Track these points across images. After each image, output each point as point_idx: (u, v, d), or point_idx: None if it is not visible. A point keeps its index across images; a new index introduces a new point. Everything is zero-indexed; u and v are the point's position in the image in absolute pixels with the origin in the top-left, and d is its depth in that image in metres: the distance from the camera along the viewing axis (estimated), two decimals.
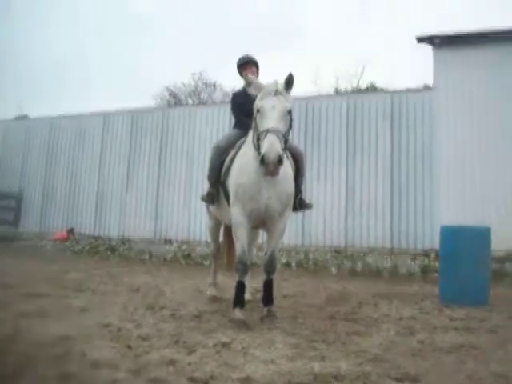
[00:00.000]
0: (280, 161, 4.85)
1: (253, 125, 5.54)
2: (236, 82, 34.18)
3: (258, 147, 5.16)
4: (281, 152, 4.89)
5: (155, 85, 57.51)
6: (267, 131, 4.99)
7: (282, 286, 8.62)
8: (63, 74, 55.22)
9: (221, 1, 59.48)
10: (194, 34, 58.96)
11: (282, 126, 5.11)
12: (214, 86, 39.14)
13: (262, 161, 4.86)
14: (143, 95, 54.97)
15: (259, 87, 5.54)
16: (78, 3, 61.79)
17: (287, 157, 5.66)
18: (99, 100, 49.13)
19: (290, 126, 5.36)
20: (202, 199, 6.83)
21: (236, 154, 6.11)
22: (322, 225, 14.55)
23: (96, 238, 16.85)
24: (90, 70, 57.15)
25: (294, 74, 5.35)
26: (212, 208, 7.06)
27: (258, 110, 5.30)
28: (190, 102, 37.02)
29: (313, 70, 61.45)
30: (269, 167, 4.85)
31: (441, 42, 13.76)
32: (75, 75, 55.65)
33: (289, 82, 5.38)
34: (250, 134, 5.75)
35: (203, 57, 55.80)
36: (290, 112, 5.29)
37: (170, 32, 60.25)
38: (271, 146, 4.85)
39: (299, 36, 59.92)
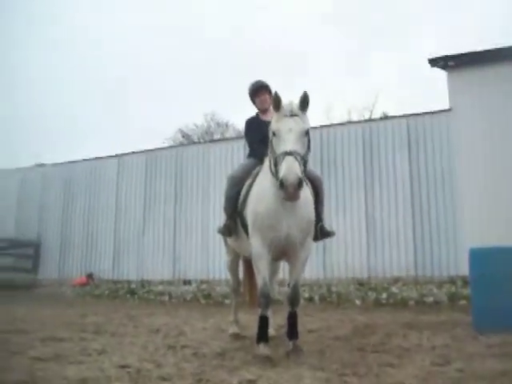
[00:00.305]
0: (300, 184, 4.65)
1: (269, 150, 5.36)
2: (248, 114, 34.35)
3: (275, 172, 4.96)
4: (300, 174, 4.69)
5: (168, 128, 58.07)
6: (285, 154, 4.80)
7: (306, 321, 8.37)
8: (77, 122, 55.70)
9: (226, 42, 60.11)
10: (204, 75, 59.55)
11: (300, 148, 4.92)
12: (227, 125, 39.49)
13: (282, 185, 4.66)
14: (156, 139, 55.29)
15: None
16: (89, 47, 62.61)
17: (306, 182, 5.44)
18: (114, 148, 49.50)
19: (309, 148, 5.16)
20: (219, 232, 6.63)
21: (253, 182, 5.93)
22: (343, 256, 14.27)
23: (115, 282, 16.69)
24: (102, 118, 57.64)
25: (308, 93, 5.18)
26: (230, 241, 6.86)
27: (274, 133, 5.12)
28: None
29: (324, 105, 61.56)
30: (288, 190, 4.64)
31: (455, 63, 13.61)
32: (88, 124, 56.13)
33: (304, 101, 5.19)
34: (266, 161, 5.58)
35: (214, 97, 56.12)
36: (307, 133, 5.10)
37: (179, 74, 60.75)
38: (290, 168, 4.66)
39: (308, 69, 60.26)
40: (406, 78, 55.16)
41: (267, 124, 5.70)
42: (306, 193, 5.15)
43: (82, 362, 5.18)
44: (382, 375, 4.54)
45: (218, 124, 39.74)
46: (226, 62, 60.38)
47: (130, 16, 62.51)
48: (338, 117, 40.22)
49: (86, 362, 5.19)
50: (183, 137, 38.91)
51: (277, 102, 5.21)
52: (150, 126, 55.83)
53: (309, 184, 5.70)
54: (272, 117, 5.49)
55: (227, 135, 38.53)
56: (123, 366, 4.93)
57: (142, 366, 4.99)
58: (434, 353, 5.57)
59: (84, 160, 19.62)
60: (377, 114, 34.50)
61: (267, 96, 6.66)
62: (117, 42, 62.95)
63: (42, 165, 22.03)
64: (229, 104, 57.27)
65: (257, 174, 5.95)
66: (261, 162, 6.00)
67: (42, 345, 6.20)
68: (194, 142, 30.75)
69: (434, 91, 34.45)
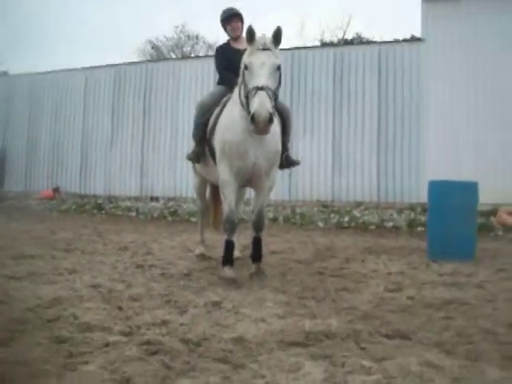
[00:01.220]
0: (271, 119, 4.79)
1: (239, 81, 5.45)
2: (219, 34, 33.88)
3: (246, 105, 5.08)
4: (271, 110, 4.82)
5: (137, 40, 56.79)
6: (257, 89, 4.89)
7: (270, 242, 8.68)
8: (43, 29, 54.13)
9: None
10: None
11: (271, 83, 5.01)
12: (197, 38, 38.78)
13: (253, 119, 4.79)
14: (125, 51, 54.16)
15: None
16: None
17: (275, 115, 5.58)
18: (81, 57, 48.38)
19: (280, 83, 5.25)
20: (188, 158, 6.75)
21: (221, 111, 6.02)
22: (308, 180, 14.57)
23: (82, 197, 16.81)
24: (70, 25, 56.03)
25: (282, 28, 5.23)
26: (198, 167, 7.00)
27: (246, 67, 5.18)
28: (173, 55, 36.60)
29: (298, 23, 60.65)
30: (259, 126, 4.78)
31: None
32: (55, 31, 54.57)
33: (277, 36, 5.23)
34: (236, 90, 5.66)
35: (185, 9, 54.84)
36: (279, 68, 5.18)
37: None
38: (262, 104, 4.77)
39: None
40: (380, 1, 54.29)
41: (238, 52, 5.77)
42: (274, 125, 5.29)
43: (54, 281, 5.38)
44: (338, 300, 4.83)
45: (189, 37, 39.03)
46: None
47: None
48: (312, 36, 39.85)
49: (58, 281, 5.39)
50: (152, 48, 38.23)
51: (250, 35, 5.24)
52: (118, 36, 54.72)
53: (277, 116, 5.82)
54: (244, 45, 5.55)
55: (197, 48, 38.01)
56: (94, 286, 5.15)
57: (112, 285, 5.21)
58: (389, 279, 5.89)
59: (51, 72, 19.25)
60: (350, 35, 34.22)
61: (239, 24, 6.68)
62: None
63: (4, 74, 21.55)
64: (200, 16, 56.08)
65: (226, 103, 6.04)
66: (230, 89, 6.06)
67: (14, 263, 6.37)
68: (165, 58, 30.29)
69: (408, 17, 34.20)
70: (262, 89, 4.87)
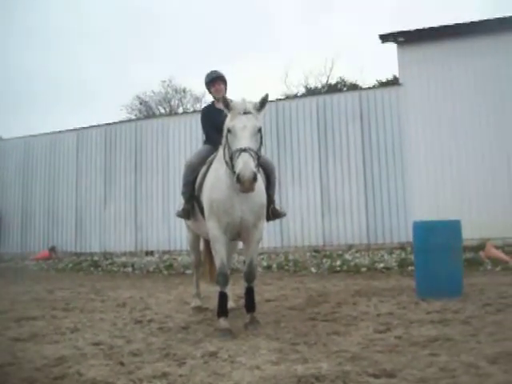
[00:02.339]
0: (255, 178, 5.10)
1: (223, 142, 5.78)
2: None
3: (231, 166, 5.39)
4: (255, 169, 5.13)
5: (126, 95, 57.48)
6: (240, 150, 5.21)
7: (264, 290, 8.87)
8: (32, 91, 54.88)
9: (185, 6, 59.53)
10: (162, 42, 58.98)
11: (253, 145, 5.34)
12: (184, 91, 39.34)
13: (238, 179, 5.10)
14: (114, 107, 54.87)
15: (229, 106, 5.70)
16: (46, 20, 61.24)
17: (259, 171, 5.88)
18: (71, 116, 49.02)
19: (261, 143, 5.58)
20: (178, 215, 7.06)
21: (207, 169, 6.36)
22: (299, 226, 14.81)
23: (78, 255, 16.96)
24: (59, 85, 56.79)
25: (268, 95, 5.62)
26: (189, 222, 7.28)
27: (229, 130, 5.52)
28: (161, 109, 37.14)
29: (282, 70, 61.72)
30: (245, 185, 5.08)
31: (404, 39, 14.08)
32: (45, 92, 55.29)
33: (263, 101, 5.65)
34: (220, 150, 5.99)
35: (172, 63, 55.84)
36: (259, 130, 5.52)
37: (137, 40, 60.07)
38: (246, 164, 5.08)
39: (267, 37, 60.24)
40: (362, 44, 55.54)
41: (222, 112, 6.11)
42: (258, 179, 5.57)
43: (57, 340, 5.60)
44: (329, 343, 5.05)
45: (176, 90, 39.65)
46: (184, 27, 59.90)
47: None
48: (296, 82, 40.54)
49: (61, 340, 5.60)
50: (141, 104, 38.79)
51: (226, 104, 5.65)
52: (107, 93, 55.41)
53: (261, 170, 6.14)
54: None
55: (185, 101, 38.56)
56: (96, 343, 5.37)
57: (113, 342, 5.43)
58: (378, 320, 6.10)
59: (43, 134, 19.63)
60: (333, 79, 34.90)
61: (222, 86, 7.08)
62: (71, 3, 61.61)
63: None
64: (186, 69, 57.02)
65: (211, 162, 6.38)
66: (215, 148, 6.45)
67: (17, 325, 6.60)
68: (154, 115, 30.75)
69: (386, 61, 35.14)
70: (244, 150, 5.20)
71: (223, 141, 5.76)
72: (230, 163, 5.43)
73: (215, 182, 5.94)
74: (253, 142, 5.36)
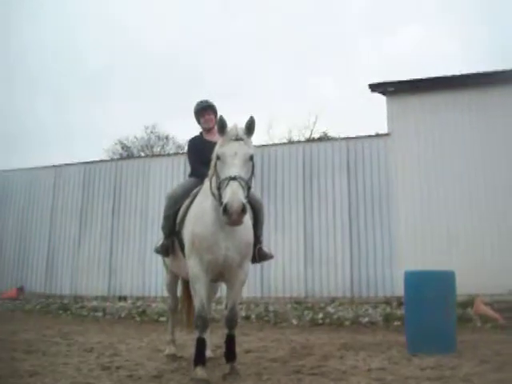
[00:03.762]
0: (244, 210, 4.64)
1: (210, 172, 5.33)
2: (189, 134, 34.27)
3: (218, 196, 4.93)
4: (244, 200, 4.68)
5: (107, 139, 57.33)
6: (229, 179, 4.77)
7: (244, 341, 8.38)
8: (13, 129, 54.47)
9: (169, 53, 60.06)
10: (145, 88, 59.15)
11: (244, 173, 4.90)
12: (167, 138, 39.27)
13: (225, 210, 4.63)
14: (94, 151, 54.56)
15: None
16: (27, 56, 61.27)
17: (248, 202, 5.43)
18: (50, 156, 48.61)
19: (253, 173, 5.14)
20: (156, 251, 6.55)
21: (191, 203, 5.89)
22: (281, 276, 14.35)
23: (47, 297, 16.33)
24: (40, 125, 56.51)
25: (254, 118, 5.18)
26: (167, 261, 6.79)
27: (218, 157, 5.08)
28: (143, 155, 36.90)
29: (265, 122, 62.00)
30: (232, 217, 4.61)
31: (394, 90, 14.00)
32: (25, 131, 54.89)
33: (250, 126, 5.19)
34: (206, 182, 5.56)
35: (155, 110, 55.82)
36: (251, 158, 5.09)
37: (121, 85, 60.26)
38: (234, 194, 4.63)
39: (250, 88, 60.69)
40: (347, 98, 56.12)
41: (210, 144, 5.71)
42: (246, 216, 5.14)
43: None
44: None
45: (159, 137, 39.55)
46: (168, 75, 60.28)
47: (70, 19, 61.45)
48: (279, 134, 40.55)
49: None
50: (123, 148, 38.53)
51: (221, 125, 5.18)
52: (88, 137, 55.19)
53: (249, 207, 5.66)
54: (216, 137, 5.49)
55: (167, 148, 38.40)
56: None
57: None
58: (370, 376, 5.62)
59: (20, 169, 19.09)
60: (317, 134, 34.93)
61: (212, 116, 6.66)
62: (58, 48, 61.82)
63: None
64: (169, 117, 57.07)
65: (196, 194, 5.91)
66: (201, 181, 5.96)
67: None
68: (134, 156, 30.44)
69: (374, 112, 35.27)
70: (234, 179, 4.75)
71: (211, 170, 5.32)
72: (218, 193, 4.95)
73: (199, 215, 5.46)
74: (244, 170, 4.91)
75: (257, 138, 36.07)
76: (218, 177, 5.05)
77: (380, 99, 14.48)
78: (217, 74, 61.00)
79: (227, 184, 4.75)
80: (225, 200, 4.67)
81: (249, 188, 4.96)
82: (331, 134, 32.32)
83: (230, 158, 4.95)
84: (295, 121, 55.57)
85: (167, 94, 57.39)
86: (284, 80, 59.38)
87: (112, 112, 56.10)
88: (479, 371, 5.75)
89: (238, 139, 5.06)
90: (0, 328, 10.22)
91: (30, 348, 7.59)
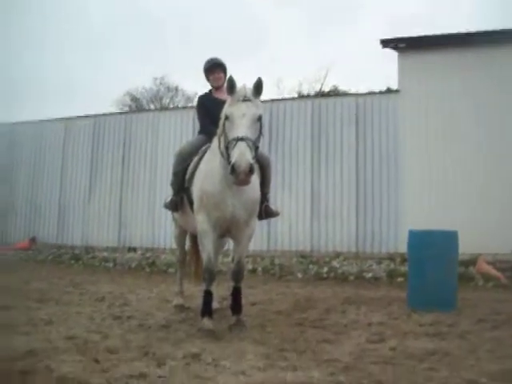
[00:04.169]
0: (251, 170, 4.78)
1: (219, 131, 5.45)
2: (198, 86, 34.19)
3: (227, 156, 5.07)
4: (251, 161, 4.81)
5: (116, 90, 57.12)
6: (237, 139, 4.88)
7: (249, 293, 8.54)
8: (23, 81, 54.34)
9: (182, 7, 59.33)
10: (156, 39, 58.67)
11: (252, 134, 5.01)
12: (176, 90, 39.07)
13: (233, 170, 4.77)
14: (104, 103, 54.40)
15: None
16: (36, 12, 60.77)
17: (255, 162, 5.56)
18: (60, 109, 48.54)
19: (261, 133, 5.25)
20: (165, 206, 6.73)
21: (200, 160, 6.03)
22: (287, 230, 14.51)
23: (59, 247, 16.59)
24: (51, 77, 56.38)
25: (262, 79, 5.27)
26: (176, 216, 6.96)
27: (226, 117, 5.19)
28: (152, 107, 36.81)
29: (276, 75, 61.51)
30: (240, 176, 4.76)
31: (406, 46, 13.87)
32: (35, 83, 54.83)
33: (258, 87, 5.27)
34: (215, 140, 5.67)
35: (165, 61, 55.54)
36: (260, 119, 5.20)
37: (132, 37, 59.75)
38: (242, 155, 4.76)
39: (261, 43, 60.14)
40: (358, 52, 55.51)
41: (219, 102, 5.83)
42: (253, 174, 5.27)
43: (29, 332, 5.27)
44: (319, 351, 4.76)
45: (168, 88, 39.36)
46: (178, 25, 59.72)
47: None
48: (289, 88, 40.27)
49: (33, 332, 5.29)
50: (132, 100, 38.46)
51: (231, 86, 5.28)
52: (97, 88, 55.03)
53: (256, 165, 5.79)
54: (225, 95, 5.60)
55: (176, 100, 38.29)
56: (70, 337, 5.05)
57: (88, 337, 5.11)
58: (370, 330, 5.83)
59: (29, 122, 19.13)
60: (327, 87, 34.68)
61: (221, 74, 6.72)
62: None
63: None
64: (179, 68, 56.80)
65: (204, 152, 6.04)
66: (210, 139, 6.07)
67: None
68: (144, 109, 30.40)
69: (385, 68, 35.01)
70: (242, 139, 4.87)
71: (219, 129, 5.44)
72: (226, 153, 5.09)
73: (207, 173, 5.61)
74: (251, 131, 5.03)
75: (266, 92, 35.83)
76: (226, 137, 5.16)
77: (392, 55, 14.39)
78: (228, 27, 60.25)
79: (235, 144, 4.87)
80: (233, 160, 4.80)
81: (256, 148, 5.08)
82: (342, 87, 32.07)
83: (239, 118, 5.06)
84: (306, 74, 55.09)
85: (178, 45, 57.01)
86: (295, 33, 58.68)
87: (121, 64, 55.89)
88: (476, 329, 5.92)
89: (246, 100, 5.15)
90: (14, 278, 10.45)
91: (43, 297, 7.83)
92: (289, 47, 56.91)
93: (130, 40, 58.49)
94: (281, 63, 56.40)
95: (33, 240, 17.43)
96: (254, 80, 5.31)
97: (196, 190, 5.75)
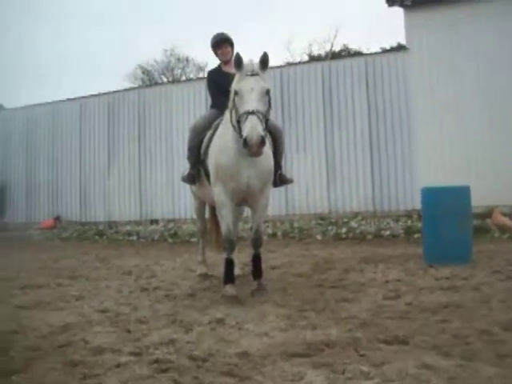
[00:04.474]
0: (263, 142, 4.97)
1: (230, 106, 5.63)
2: (208, 56, 34.17)
3: (239, 129, 5.25)
4: (262, 133, 4.99)
5: (128, 65, 57.06)
6: (248, 113, 5.06)
7: (270, 257, 8.79)
8: (36, 62, 54.51)
9: None
10: (164, 10, 58.32)
11: (261, 107, 5.18)
12: (187, 60, 38.98)
13: (245, 143, 4.97)
14: (117, 77, 54.48)
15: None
16: None
17: (266, 134, 5.74)
18: (74, 86, 48.71)
19: (270, 106, 5.42)
20: (182, 179, 6.94)
21: (213, 133, 6.22)
22: (304, 194, 14.69)
23: (83, 224, 16.93)
24: (62, 56, 56.43)
25: (268, 53, 5.43)
26: (194, 188, 7.17)
27: (236, 92, 5.37)
28: (164, 79, 36.84)
29: (286, 37, 61.05)
30: (252, 149, 4.96)
31: (411, 3, 13.82)
32: (48, 62, 54.93)
33: (264, 61, 5.43)
34: (227, 113, 5.83)
35: (174, 32, 55.26)
36: (268, 92, 5.36)
37: (139, 9, 59.43)
38: (253, 128, 4.95)
39: (270, 5, 59.46)
40: (366, 11, 54.79)
41: (229, 75, 5.98)
42: (266, 144, 5.38)
43: (62, 308, 5.55)
44: (337, 310, 4.98)
45: (179, 59, 39.27)
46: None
47: None
48: (299, 49, 40.04)
49: (66, 307, 5.55)
50: (143, 73, 38.48)
51: (238, 62, 5.45)
52: (109, 62, 55.03)
53: (268, 136, 5.90)
54: (233, 69, 5.75)
55: (188, 70, 38.24)
56: (102, 311, 5.31)
57: (119, 309, 5.37)
58: (387, 287, 6.04)
59: (45, 104, 19.42)
60: (337, 47, 34.43)
61: (229, 48, 6.87)
62: None
63: (0, 107, 21.80)
64: (189, 38, 56.51)
65: (217, 126, 6.23)
66: (222, 112, 6.24)
67: (22, 293, 6.57)
68: (156, 84, 30.45)
69: (393, 26, 34.58)
70: (252, 113, 5.05)
71: (230, 104, 5.62)
72: (237, 127, 5.28)
73: (222, 146, 5.81)
74: (261, 104, 5.20)
75: (277, 56, 35.70)
76: (236, 111, 5.34)
77: (399, 12, 14.33)
78: None
79: (246, 118, 5.05)
80: (244, 133, 4.99)
81: (266, 120, 5.27)
82: (352, 46, 31.86)
83: (247, 93, 5.23)
84: (315, 35, 54.59)
85: (185, 15, 56.65)
86: None
87: (131, 37, 55.70)
88: (490, 281, 6.10)
89: (253, 74, 5.32)
90: (43, 256, 10.79)
91: (73, 274, 8.12)
92: (297, 7, 56.29)
93: (139, 12, 58.27)
94: (290, 24, 55.91)
95: (57, 219, 17.81)
96: (262, 51, 5.47)
97: (211, 164, 5.95)
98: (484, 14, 13.21)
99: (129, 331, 4.50)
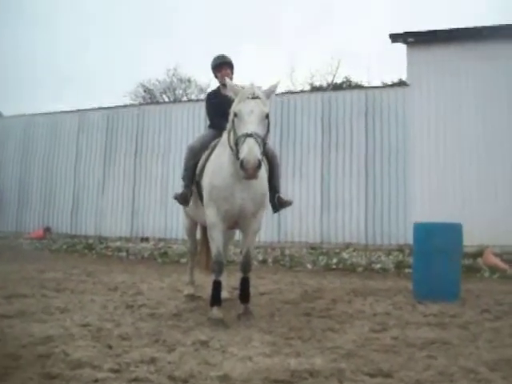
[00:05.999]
0: (259, 165, 4.96)
1: (228, 127, 5.63)
2: (211, 78, 34.27)
3: (236, 151, 5.24)
4: (260, 156, 4.99)
5: (130, 83, 57.33)
6: (246, 136, 5.07)
7: (259, 283, 8.71)
8: (37, 73, 54.74)
9: None
10: (168, 30, 58.73)
11: (260, 130, 5.19)
12: (189, 81, 39.10)
13: (242, 165, 4.96)
14: (118, 94, 54.67)
15: (236, 91, 5.58)
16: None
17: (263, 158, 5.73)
18: (74, 100, 48.87)
19: (268, 130, 5.43)
20: (175, 198, 6.86)
21: (210, 154, 6.21)
22: (297, 221, 14.68)
23: (73, 237, 16.85)
24: (64, 69, 56.67)
25: (279, 83, 5.51)
26: (187, 208, 7.13)
27: (235, 114, 5.37)
28: (165, 98, 36.94)
29: (288, 67, 61.40)
30: (248, 171, 4.94)
31: (414, 40, 13.96)
32: (50, 74, 55.16)
33: (272, 90, 5.60)
34: (225, 135, 5.84)
35: (177, 52, 55.62)
36: (267, 116, 5.37)
37: (144, 29, 59.81)
38: (251, 150, 4.94)
39: (274, 33, 59.94)
40: (370, 45, 55.33)
41: (227, 98, 5.99)
42: (261, 168, 5.42)
43: (45, 320, 5.48)
44: (323, 340, 4.94)
45: (181, 80, 39.41)
46: (190, 17, 59.72)
47: None
48: (301, 79, 40.25)
49: (49, 320, 5.49)
50: (145, 91, 38.58)
51: (234, 92, 5.56)
52: (111, 80, 55.26)
53: (264, 159, 5.91)
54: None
55: (189, 91, 38.37)
56: (85, 325, 5.25)
57: (102, 325, 5.31)
58: (375, 319, 5.99)
59: (44, 113, 19.46)
60: (339, 79, 34.62)
61: (229, 71, 6.90)
62: None
63: None
64: (191, 60, 56.84)
65: (214, 147, 6.23)
66: (219, 134, 6.27)
67: (6, 302, 6.50)
68: (157, 102, 30.56)
69: (395, 61, 34.95)
70: (250, 136, 5.05)
71: (228, 125, 5.62)
72: (235, 148, 5.28)
73: (217, 167, 5.80)
74: (260, 127, 5.21)
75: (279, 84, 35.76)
76: (235, 133, 5.35)
77: (401, 49, 14.46)
78: (239, 15, 60.12)
79: (244, 140, 5.05)
80: (241, 156, 4.98)
81: (264, 144, 5.27)
82: (354, 79, 32.04)
83: (247, 115, 5.23)
84: (318, 66, 54.90)
85: (189, 36, 57.01)
86: (308, 24, 58.49)
87: (134, 56, 56.02)
88: (478, 320, 6.05)
89: (254, 97, 5.33)
90: (30, 267, 10.66)
91: (59, 286, 8.04)
92: (300, 36, 56.77)
93: (144, 31, 58.64)
94: (293, 52, 56.34)
95: (47, 229, 17.73)
96: (265, 76, 5.55)
97: (206, 184, 5.94)
98: (483, 54, 13.38)
99: (110, 347, 4.44)
